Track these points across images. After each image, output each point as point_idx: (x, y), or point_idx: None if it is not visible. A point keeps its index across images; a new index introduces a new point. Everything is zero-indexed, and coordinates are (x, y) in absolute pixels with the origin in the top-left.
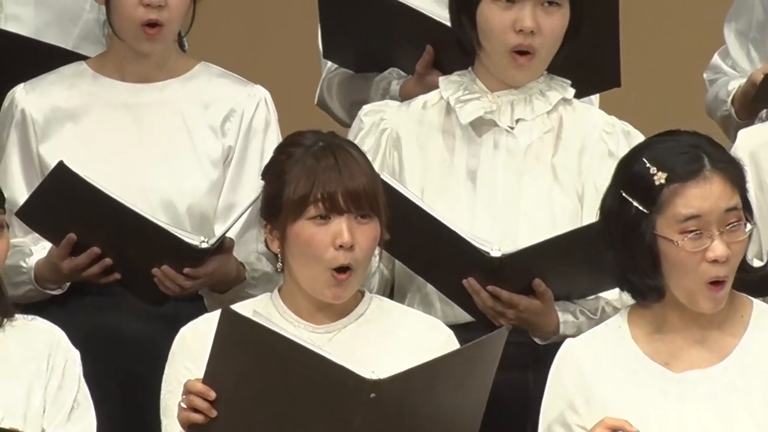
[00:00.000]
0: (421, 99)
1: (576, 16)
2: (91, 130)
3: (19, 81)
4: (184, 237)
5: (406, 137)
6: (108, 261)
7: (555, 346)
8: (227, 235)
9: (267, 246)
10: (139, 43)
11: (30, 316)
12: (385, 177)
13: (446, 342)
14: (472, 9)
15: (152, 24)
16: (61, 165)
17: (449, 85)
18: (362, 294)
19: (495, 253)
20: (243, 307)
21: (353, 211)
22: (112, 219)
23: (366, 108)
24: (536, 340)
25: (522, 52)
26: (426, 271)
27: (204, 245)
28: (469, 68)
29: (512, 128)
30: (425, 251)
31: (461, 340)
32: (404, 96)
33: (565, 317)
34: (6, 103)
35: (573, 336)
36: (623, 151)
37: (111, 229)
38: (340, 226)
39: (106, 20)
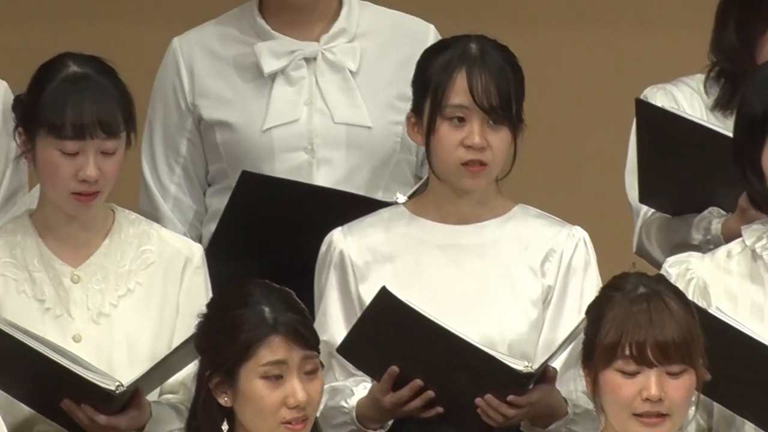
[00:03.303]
0: (724, 249)
1: None
2: (410, 271)
3: (324, 230)
4: (508, 362)
5: (714, 286)
6: (431, 393)
7: None
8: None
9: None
10: (461, 181)
11: None
12: (712, 310)
13: None
14: (755, 159)
15: (475, 163)
16: (384, 291)
17: (752, 233)
18: None
19: None
20: None
21: (663, 364)
22: (435, 346)
23: (670, 260)
24: None
25: None
26: (749, 408)
27: (528, 370)
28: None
29: None
30: (749, 384)
31: None
32: (726, 234)
33: None
34: (324, 246)
35: None
36: None
37: (434, 358)
38: (649, 381)
39: (422, 161)
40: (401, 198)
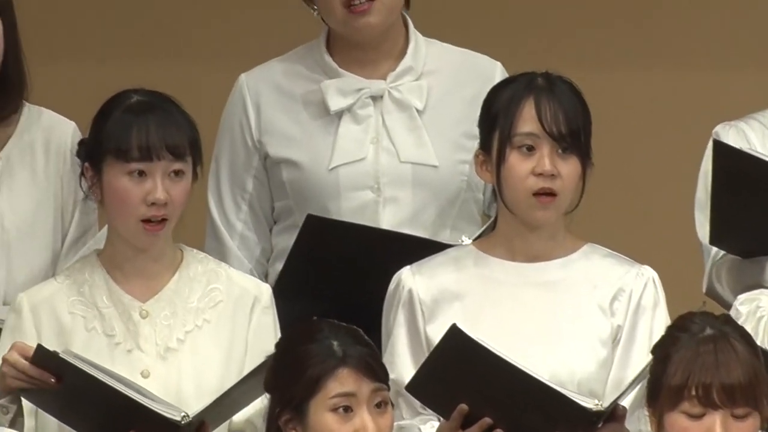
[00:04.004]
0: None
1: None
2: (479, 310)
3: (391, 273)
4: (578, 400)
5: None
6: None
7: None
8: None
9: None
10: (532, 214)
11: None
12: None
13: None
14: None
15: (546, 193)
16: (454, 328)
17: None
18: None
19: None
20: None
21: (728, 407)
22: (505, 384)
23: (741, 297)
24: None
25: None
26: None
27: (598, 408)
28: None
29: None
30: None
31: None
32: None
33: None
34: (392, 285)
35: None
36: None
37: (503, 395)
38: (714, 424)
39: (489, 201)
40: (466, 241)
